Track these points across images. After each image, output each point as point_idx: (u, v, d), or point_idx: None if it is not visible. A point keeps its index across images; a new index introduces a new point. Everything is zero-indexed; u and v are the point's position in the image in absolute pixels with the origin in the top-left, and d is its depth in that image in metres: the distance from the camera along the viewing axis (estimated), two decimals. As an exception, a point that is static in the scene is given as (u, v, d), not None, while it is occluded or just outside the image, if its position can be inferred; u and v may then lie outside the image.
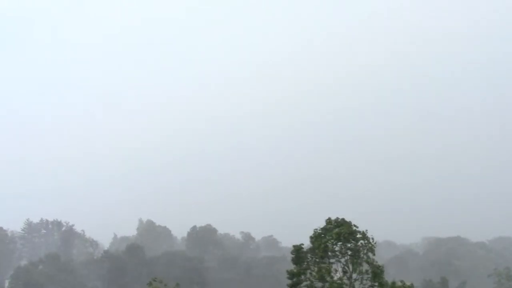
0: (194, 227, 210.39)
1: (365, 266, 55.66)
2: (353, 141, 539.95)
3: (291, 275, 55.97)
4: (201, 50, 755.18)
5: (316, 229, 57.57)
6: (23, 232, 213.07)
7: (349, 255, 55.73)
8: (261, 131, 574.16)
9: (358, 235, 56.06)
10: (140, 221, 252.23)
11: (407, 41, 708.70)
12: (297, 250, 57.02)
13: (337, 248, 56.37)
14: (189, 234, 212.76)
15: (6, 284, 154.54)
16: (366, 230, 56.39)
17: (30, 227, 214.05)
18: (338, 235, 55.45)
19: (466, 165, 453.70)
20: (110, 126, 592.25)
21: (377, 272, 54.25)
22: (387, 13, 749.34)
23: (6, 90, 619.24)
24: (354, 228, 56.27)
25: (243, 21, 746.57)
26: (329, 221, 57.49)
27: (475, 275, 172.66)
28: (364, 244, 55.65)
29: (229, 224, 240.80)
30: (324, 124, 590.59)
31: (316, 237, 56.84)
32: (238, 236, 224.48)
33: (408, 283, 55.45)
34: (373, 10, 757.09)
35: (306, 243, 59.56)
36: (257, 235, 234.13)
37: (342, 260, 56.03)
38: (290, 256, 59.82)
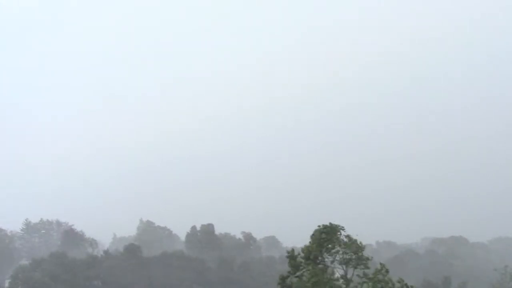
0: (194, 227, 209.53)
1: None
2: (353, 142, 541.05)
3: (282, 279, 54.18)
4: (201, 49, 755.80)
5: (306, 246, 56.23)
6: (22, 232, 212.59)
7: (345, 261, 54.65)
8: (262, 131, 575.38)
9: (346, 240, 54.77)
10: (140, 221, 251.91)
11: (407, 41, 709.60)
12: (291, 257, 55.21)
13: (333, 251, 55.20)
14: (188, 234, 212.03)
15: (6, 284, 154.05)
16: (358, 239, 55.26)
17: (29, 227, 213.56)
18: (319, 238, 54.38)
19: (466, 165, 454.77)
20: (110, 126, 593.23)
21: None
22: (387, 13, 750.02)
23: (6, 91, 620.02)
24: (340, 228, 55.04)
25: (244, 21, 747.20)
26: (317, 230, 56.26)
27: (475, 275, 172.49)
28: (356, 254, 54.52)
29: (230, 224, 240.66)
30: (325, 125, 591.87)
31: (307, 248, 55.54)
32: (239, 236, 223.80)
33: (409, 284, 54.72)
34: (374, 10, 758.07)
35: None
36: (259, 235, 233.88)
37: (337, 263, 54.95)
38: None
